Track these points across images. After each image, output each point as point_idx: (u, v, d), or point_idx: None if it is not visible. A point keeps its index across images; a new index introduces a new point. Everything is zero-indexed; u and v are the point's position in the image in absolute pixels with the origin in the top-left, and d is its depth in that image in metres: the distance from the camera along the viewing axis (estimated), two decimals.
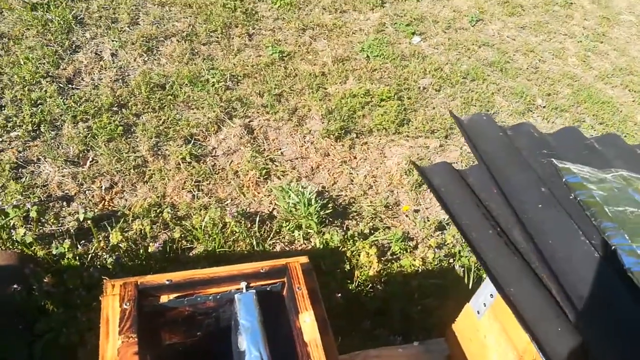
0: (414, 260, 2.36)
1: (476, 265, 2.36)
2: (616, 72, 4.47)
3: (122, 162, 2.43)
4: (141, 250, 2.00)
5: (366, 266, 2.25)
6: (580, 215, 1.09)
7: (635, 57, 4.72)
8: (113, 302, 1.04)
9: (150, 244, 2.02)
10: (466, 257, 2.41)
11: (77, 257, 1.89)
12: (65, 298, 1.70)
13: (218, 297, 1.12)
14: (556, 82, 4.08)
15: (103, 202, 2.24)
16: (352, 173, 2.82)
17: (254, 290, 1.14)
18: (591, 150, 1.44)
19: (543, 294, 1.07)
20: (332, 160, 2.86)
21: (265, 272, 1.16)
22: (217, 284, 1.12)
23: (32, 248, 1.85)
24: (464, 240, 2.51)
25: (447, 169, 1.45)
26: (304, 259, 1.21)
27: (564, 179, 1.20)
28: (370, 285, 2.21)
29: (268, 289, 1.18)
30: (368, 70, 3.57)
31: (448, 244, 2.52)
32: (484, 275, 2.31)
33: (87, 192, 2.27)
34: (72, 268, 1.81)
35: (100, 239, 2.00)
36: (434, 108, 3.46)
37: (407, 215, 2.68)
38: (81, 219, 2.04)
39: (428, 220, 2.64)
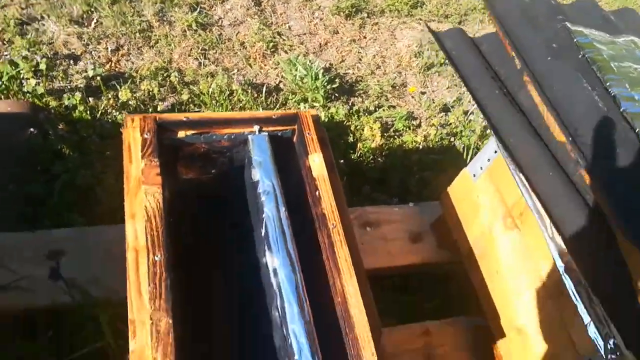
0: (416, 136, 2.43)
1: (475, 144, 2.43)
2: None
3: (127, 25, 2.38)
4: (150, 110, 2.05)
5: (369, 139, 2.31)
6: (587, 70, 1.12)
7: None
8: (134, 133, 1.09)
9: (159, 103, 2.07)
10: (467, 137, 2.47)
11: (88, 111, 1.93)
12: (80, 145, 1.77)
13: (232, 137, 1.18)
14: None
15: (110, 63, 2.24)
16: (360, 52, 2.78)
17: (267, 133, 1.20)
18: (606, 21, 1.43)
19: (539, 145, 1.14)
20: (341, 38, 2.81)
21: (276, 118, 1.21)
22: (231, 126, 1.17)
23: (44, 99, 1.89)
24: (466, 117, 2.55)
25: (460, 34, 1.45)
26: (313, 112, 1.26)
27: (575, 40, 1.21)
28: (371, 157, 2.29)
29: (279, 134, 1.23)
30: None
31: (451, 124, 2.57)
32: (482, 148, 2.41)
33: (93, 52, 2.25)
34: (84, 120, 1.86)
35: (110, 96, 2.04)
36: None
37: (413, 97, 2.70)
38: (90, 76, 2.06)
39: (433, 102, 2.66)
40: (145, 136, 1.07)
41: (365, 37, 2.88)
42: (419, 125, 2.55)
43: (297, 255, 1.03)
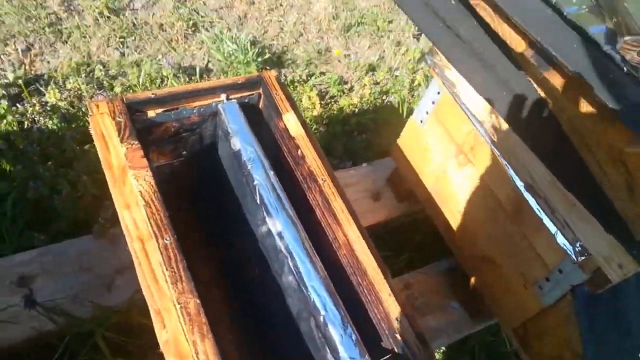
0: (352, 99, 2.50)
1: (408, 98, 2.55)
2: None
3: (33, 20, 2.20)
4: (83, 109, 1.93)
5: (309, 108, 2.35)
6: None
7: None
8: (103, 120, 1.04)
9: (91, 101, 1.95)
10: (398, 92, 2.59)
11: (17, 123, 1.78)
12: (19, 158, 1.64)
13: (202, 110, 1.17)
14: None
15: (23, 65, 2.06)
16: (281, 20, 2.78)
17: (235, 101, 1.20)
18: None
19: (486, 71, 1.24)
20: (259, 8, 2.79)
21: (242, 83, 1.20)
22: (199, 97, 1.16)
23: None
24: (392, 73, 2.65)
25: None
26: (274, 73, 1.27)
27: None
28: (314, 125, 2.34)
29: (246, 100, 1.24)
30: None
31: (380, 82, 2.66)
32: (417, 102, 2.54)
33: (2, 56, 2.06)
34: (16, 132, 1.72)
35: (35, 102, 1.89)
36: None
37: (339, 60, 2.76)
38: (10, 80, 1.89)
39: (359, 63, 2.74)
40: (119, 119, 1.03)
41: (282, 5, 2.88)
42: (351, 88, 2.62)
43: (296, 215, 1.06)
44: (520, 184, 1.35)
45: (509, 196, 1.44)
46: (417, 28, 1.33)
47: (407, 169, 1.86)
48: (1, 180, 1.58)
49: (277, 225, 1.04)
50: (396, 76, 2.71)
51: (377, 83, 2.67)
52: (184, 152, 1.26)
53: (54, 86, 1.95)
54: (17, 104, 1.87)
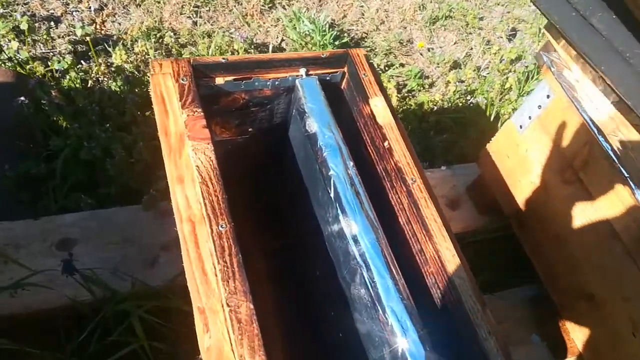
0: (432, 96, 2.27)
1: (497, 99, 2.29)
2: None
3: None
4: (149, 74, 1.82)
5: None
6: None
7: None
8: (165, 80, 0.90)
9: None
10: (484, 93, 2.33)
11: (81, 80, 1.69)
12: (78, 116, 1.55)
13: (277, 83, 1.00)
14: None
15: (94, 24, 1.98)
16: (362, 6, 2.58)
17: (316, 77, 1.02)
18: None
19: (632, 71, 0.99)
20: None
21: (325, 57, 1.02)
22: (275, 69, 0.99)
23: (28, 66, 1.64)
24: (479, 73, 2.39)
25: None
26: (363, 51, 1.08)
27: None
28: None
29: (328, 78, 1.05)
30: None
31: (464, 81, 2.41)
32: (506, 107, 2.26)
33: (74, 13, 1.99)
34: (78, 89, 1.63)
35: (100, 62, 1.80)
36: None
37: (421, 53, 2.53)
38: (78, 36, 1.80)
39: (443, 59, 2.49)
40: (182, 82, 0.87)
41: None
42: (432, 84, 2.39)
43: (377, 219, 0.86)
44: None
45: (629, 226, 1.19)
46: (542, 12, 1.08)
47: (494, 179, 1.62)
48: (57, 136, 1.48)
49: (353, 227, 0.85)
50: (484, 76, 2.45)
51: (462, 81, 2.42)
52: (250, 129, 1.09)
53: (121, 47, 1.85)
54: (82, 62, 1.78)
